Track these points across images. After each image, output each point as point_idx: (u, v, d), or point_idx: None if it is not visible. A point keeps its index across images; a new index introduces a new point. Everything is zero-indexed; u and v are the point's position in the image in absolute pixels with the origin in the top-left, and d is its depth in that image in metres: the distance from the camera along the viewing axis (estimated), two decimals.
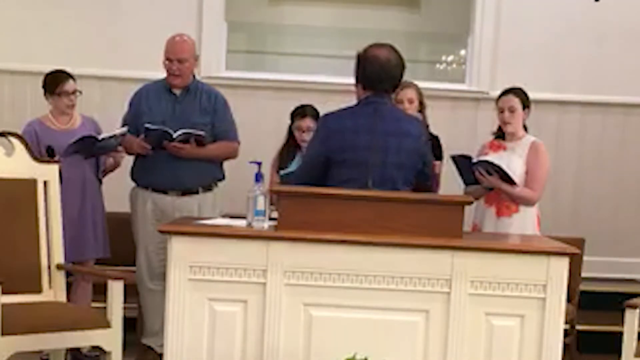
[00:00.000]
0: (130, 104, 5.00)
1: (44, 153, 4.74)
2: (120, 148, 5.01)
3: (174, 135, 4.73)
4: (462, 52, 6.58)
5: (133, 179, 4.99)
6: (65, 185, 4.62)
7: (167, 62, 4.85)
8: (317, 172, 3.76)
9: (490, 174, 4.56)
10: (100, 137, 4.85)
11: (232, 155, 4.97)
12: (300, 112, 5.06)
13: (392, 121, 3.75)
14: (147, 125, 4.73)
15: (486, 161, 4.58)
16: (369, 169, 3.64)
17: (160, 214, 4.83)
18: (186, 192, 4.88)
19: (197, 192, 4.90)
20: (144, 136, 4.79)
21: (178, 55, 4.84)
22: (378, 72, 3.77)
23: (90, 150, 4.89)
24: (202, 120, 4.85)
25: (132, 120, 4.94)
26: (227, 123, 4.96)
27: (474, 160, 4.61)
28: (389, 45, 3.86)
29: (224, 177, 5.03)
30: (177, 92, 4.91)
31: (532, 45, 6.26)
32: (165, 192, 4.88)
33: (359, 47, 3.88)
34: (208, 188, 4.94)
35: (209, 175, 4.94)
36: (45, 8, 6.13)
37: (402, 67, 3.83)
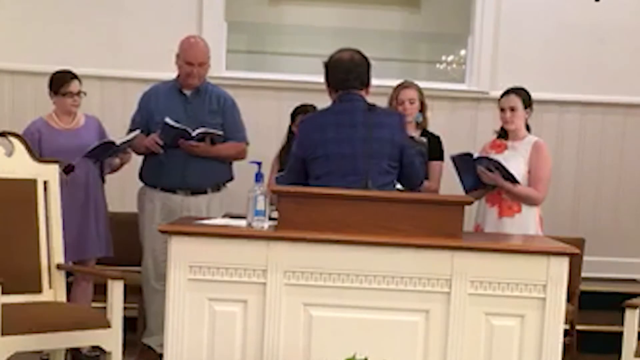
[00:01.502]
0: (140, 104, 5.01)
1: (45, 153, 4.73)
2: (128, 150, 5.02)
3: (193, 134, 4.74)
4: (462, 52, 6.58)
5: (141, 178, 5.00)
6: (69, 184, 4.62)
7: (186, 65, 4.85)
8: (299, 174, 3.89)
9: (491, 172, 4.56)
10: (118, 142, 4.86)
11: (241, 155, 4.97)
12: (302, 110, 5.07)
13: (360, 114, 3.82)
14: (167, 120, 4.72)
15: (487, 158, 4.57)
16: (339, 161, 3.74)
17: (168, 214, 4.83)
18: (195, 191, 4.89)
19: (205, 192, 4.91)
20: (160, 131, 4.78)
21: (199, 59, 4.86)
22: (344, 72, 3.89)
23: (105, 154, 4.90)
24: (213, 121, 4.87)
25: (142, 120, 4.95)
26: (236, 124, 4.98)
27: (476, 156, 4.61)
28: (352, 48, 4.00)
29: (232, 178, 5.04)
30: (188, 93, 4.93)
31: (532, 45, 6.26)
32: (174, 192, 4.89)
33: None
34: (216, 188, 4.95)
35: (217, 175, 4.96)
36: (45, 8, 6.13)
37: (368, 65, 3.95)
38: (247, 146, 5.02)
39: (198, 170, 4.85)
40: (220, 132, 4.85)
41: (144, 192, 4.98)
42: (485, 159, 4.58)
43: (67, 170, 4.74)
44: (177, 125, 4.73)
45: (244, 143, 5.01)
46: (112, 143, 4.87)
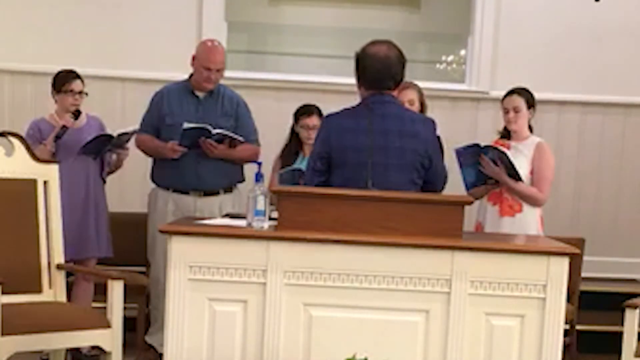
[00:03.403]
0: (151, 104, 5.01)
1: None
2: (126, 145, 5.01)
3: (213, 132, 4.74)
4: (462, 52, 6.58)
5: (153, 180, 5.00)
6: (70, 183, 4.63)
7: (204, 70, 4.84)
8: (324, 173, 3.71)
9: (496, 165, 4.55)
10: (115, 134, 4.86)
11: (255, 158, 4.95)
12: (306, 110, 5.06)
13: (394, 121, 3.65)
14: (185, 125, 4.72)
15: (496, 148, 4.55)
16: (369, 170, 3.59)
17: (181, 215, 4.82)
18: (207, 192, 4.89)
19: (218, 193, 4.92)
20: (180, 138, 4.77)
21: (218, 65, 4.87)
22: (378, 71, 3.68)
23: (103, 148, 4.90)
24: (225, 123, 4.87)
25: (152, 120, 4.96)
26: (249, 127, 5.00)
27: (482, 145, 4.59)
28: (388, 41, 3.77)
29: (243, 179, 5.04)
30: (200, 94, 4.93)
31: (532, 45, 6.26)
32: (186, 193, 4.89)
33: (359, 47, 3.81)
34: (229, 189, 4.96)
35: (230, 176, 4.97)
36: (44, 8, 6.13)
37: (403, 63, 3.73)
38: (259, 148, 5.03)
39: (211, 172, 4.86)
40: (241, 138, 4.85)
41: (156, 193, 4.99)
42: (493, 149, 4.55)
43: (75, 115, 4.84)
44: (195, 126, 4.73)
45: (257, 145, 5.02)
46: (109, 136, 4.87)
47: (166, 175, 4.93)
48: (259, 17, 6.54)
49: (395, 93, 3.77)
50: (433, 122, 3.89)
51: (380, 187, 3.57)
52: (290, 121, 5.18)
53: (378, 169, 3.60)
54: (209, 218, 3.95)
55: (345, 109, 3.78)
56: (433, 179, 3.79)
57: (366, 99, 3.74)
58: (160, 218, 4.87)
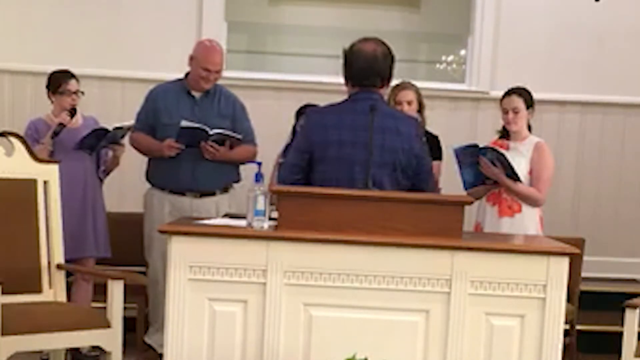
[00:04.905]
0: (146, 102, 4.99)
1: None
2: (122, 142, 5.01)
3: (210, 133, 4.73)
4: (462, 52, 6.58)
5: (149, 180, 4.99)
6: (67, 182, 4.62)
7: (202, 71, 4.82)
8: (302, 169, 3.68)
9: (495, 166, 4.55)
10: (111, 127, 4.86)
11: (253, 158, 4.93)
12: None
13: (378, 118, 3.58)
14: (183, 123, 4.70)
15: (494, 149, 4.54)
16: (352, 167, 3.58)
17: (178, 215, 4.81)
18: (204, 193, 4.88)
19: (214, 194, 4.90)
20: (177, 136, 4.76)
21: (218, 66, 4.86)
22: (363, 68, 3.66)
23: (99, 142, 4.90)
24: (222, 124, 4.85)
25: (148, 118, 4.94)
26: (247, 128, 4.98)
27: (481, 145, 4.59)
28: (376, 38, 3.74)
29: (239, 179, 5.03)
30: (197, 94, 4.92)
31: (532, 45, 6.27)
32: (182, 194, 4.88)
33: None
34: (225, 189, 4.95)
35: (226, 177, 4.96)
36: (45, 8, 6.13)
37: (391, 60, 3.70)
38: (256, 148, 5.01)
39: (208, 172, 4.85)
40: (239, 136, 4.83)
41: (152, 194, 4.97)
42: (491, 150, 4.55)
43: (72, 112, 4.87)
44: (194, 125, 4.72)
45: (255, 146, 5.01)
46: (105, 130, 4.87)
47: (162, 175, 4.92)
48: (259, 17, 6.54)
49: (383, 90, 3.74)
50: (417, 120, 3.88)
51: (364, 185, 3.55)
52: (292, 120, 5.18)
53: (361, 167, 3.57)
54: (208, 218, 3.95)
55: (329, 105, 3.79)
56: (421, 184, 3.73)
57: (352, 96, 3.72)
58: (157, 219, 4.86)
